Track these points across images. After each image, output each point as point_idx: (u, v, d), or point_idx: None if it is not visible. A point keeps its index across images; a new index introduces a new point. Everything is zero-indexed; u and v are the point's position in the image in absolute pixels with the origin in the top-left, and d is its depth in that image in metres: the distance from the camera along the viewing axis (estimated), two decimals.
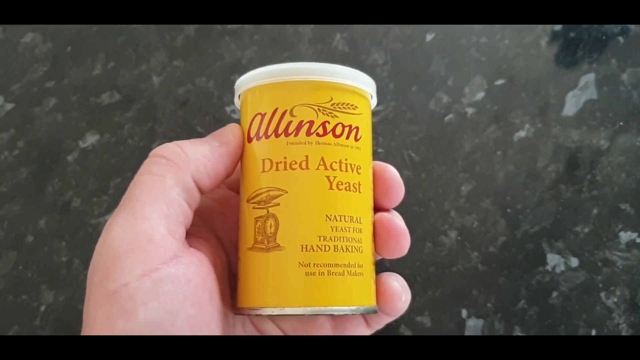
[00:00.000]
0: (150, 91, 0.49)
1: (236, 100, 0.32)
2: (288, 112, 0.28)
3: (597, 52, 0.49)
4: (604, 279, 0.42)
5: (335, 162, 0.28)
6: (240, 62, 0.50)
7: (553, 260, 0.43)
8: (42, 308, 0.44)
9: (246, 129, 0.30)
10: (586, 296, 0.42)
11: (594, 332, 0.41)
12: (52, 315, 0.44)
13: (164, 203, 0.26)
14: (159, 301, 0.24)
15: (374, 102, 0.32)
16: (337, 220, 0.28)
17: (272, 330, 0.31)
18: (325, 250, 0.28)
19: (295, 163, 0.28)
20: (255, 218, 0.28)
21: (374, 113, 0.47)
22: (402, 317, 0.42)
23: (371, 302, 0.29)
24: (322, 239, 0.28)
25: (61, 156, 0.48)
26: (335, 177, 0.28)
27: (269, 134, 0.29)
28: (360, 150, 0.29)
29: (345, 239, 0.28)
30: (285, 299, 0.27)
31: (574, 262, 0.43)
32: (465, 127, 0.47)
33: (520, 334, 0.41)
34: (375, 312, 0.29)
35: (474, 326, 0.42)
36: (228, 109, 0.48)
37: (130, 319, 0.24)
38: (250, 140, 0.29)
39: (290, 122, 0.28)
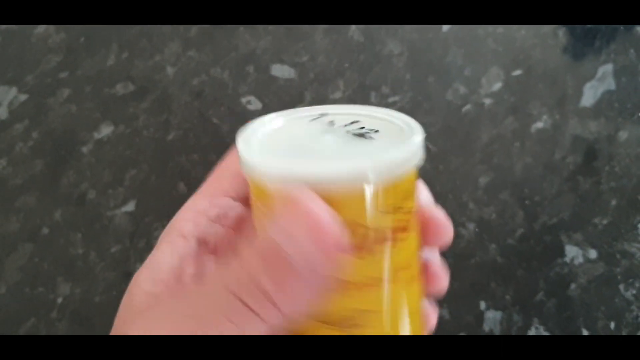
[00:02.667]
0: (165, 82, 0.49)
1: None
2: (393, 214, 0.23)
3: (614, 42, 0.48)
4: (623, 270, 0.42)
5: (407, 260, 0.25)
6: (255, 53, 0.49)
7: (571, 252, 0.43)
8: (59, 300, 0.44)
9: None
10: (605, 288, 0.42)
11: (612, 324, 0.41)
12: (68, 308, 0.43)
13: None
14: None
15: None
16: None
17: None
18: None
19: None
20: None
21: (390, 104, 0.47)
22: None
23: None
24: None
25: (76, 147, 0.47)
26: (408, 272, 0.25)
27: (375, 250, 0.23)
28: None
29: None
30: None
31: (593, 254, 0.43)
32: (482, 118, 0.46)
33: (538, 326, 0.41)
34: None
35: (492, 318, 0.42)
36: (243, 99, 0.48)
37: None
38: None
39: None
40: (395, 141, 0.23)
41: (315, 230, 0.20)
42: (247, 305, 0.21)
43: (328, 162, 0.21)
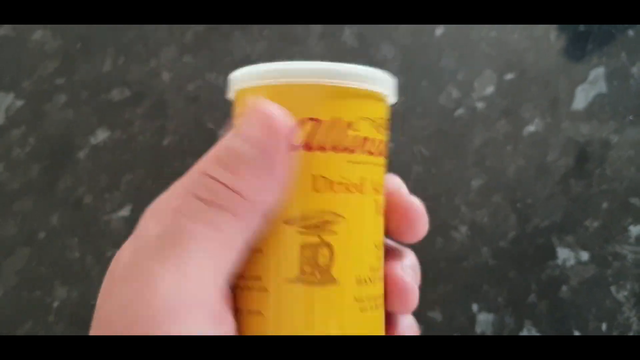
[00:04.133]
0: (161, 87, 0.49)
1: (246, 86, 0.26)
2: (350, 126, 0.24)
3: (606, 45, 0.49)
4: (614, 272, 0.43)
5: (380, 185, 0.25)
6: (250, 58, 0.50)
7: (563, 254, 0.43)
8: (56, 304, 0.44)
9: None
10: (596, 290, 0.42)
11: (604, 326, 0.42)
12: (65, 311, 0.44)
13: (221, 260, 0.22)
14: None
15: None
16: (379, 249, 0.25)
17: None
18: (374, 282, 0.25)
19: (353, 186, 0.24)
20: (302, 245, 0.24)
21: None
22: (413, 312, 0.42)
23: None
24: (372, 269, 0.25)
25: (72, 152, 0.48)
26: (377, 200, 0.25)
27: (325, 147, 0.24)
28: (384, 169, 0.26)
29: (380, 267, 0.25)
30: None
31: (584, 256, 0.43)
32: (475, 122, 0.47)
33: (530, 328, 0.42)
34: None
35: (484, 320, 0.42)
36: None
37: None
38: (296, 148, 0.24)
39: (354, 138, 0.24)
40: None
41: (262, 117, 0.22)
42: (214, 204, 0.21)
43: (279, 64, 0.24)
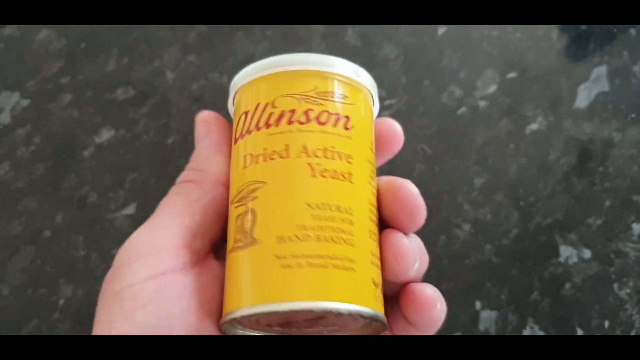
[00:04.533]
0: (164, 87, 0.50)
1: (230, 108, 0.31)
2: (270, 105, 0.27)
3: (608, 44, 0.49)
4: (617, 270, 0.43)
5: (320, 150, 0.26)
6: (253, 57, 0.50)
7: (566, 252, 0.43)
8: (61, 302, 0.44)
9: (233, 132, 0.29)
10: (599, 287, 0.42)
11: (607, 324, 0.42)
12: (70, 309, 0.44)
13: (186, 215, 0.27)
14: (159, 304, 0.24)
15: (375, 106, 0.31)
16: (319, 209, 0.25)
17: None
18: (304, 240, 0.25)
19: (275, 153, 0.26)
20: (235, 217, 0.26)
21: (386, 107, 0.48)
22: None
23: (370, 305, 0.25)
24: (301, 228, 0.25)
25: (77, 152, 0.48)
26: (318, 164, 0.26)
27: (250, 129, 0.27)
28: (351, 140, 0.27)
29: (330, 229, 0.25)
30: (260, 296, 0.24)
31: (587, 253, 0.43)
32: (477, 121, 0.47)
33: (533, 325, 0.42)
34: (378, 319, 0.25)
35: (487, 318, 0.42)
36: None
37: (128, 320, 0.24)
38: (235, 141, 0.28)
39: (271, 114, 0.27)
40: None
41: (198, 120, 0.32)
42: (184, 181, 0.29)
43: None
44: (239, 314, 0.24)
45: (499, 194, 0.45)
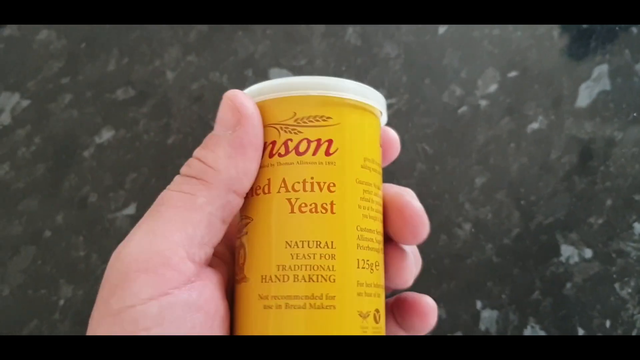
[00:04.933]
0: (165, 86, 0.49)
1: None
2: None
3: (610, 43, 0.49)
4: (618, 269, 0.43)
5: (298, 183, 0.25)
6: (253, 57, 0.50)
7: (567, 251, 0.43)
8: (61, 302, 0.44)
9: None
10: (600, 287, 0.42)
11: (608, 323, 0.42)
12: (71, 310, 0.44)
13: (189, 224, 0.24)
14: (164, 328, 0.23)
15: (383, 116, 0.29)
16: (297, 247, 0.25)
17: None
18: (283, 281, 0.25)
19: (259, 188, 0.26)
20: (236, 248, 0.27)
21: (387, 107, 0.48)
22: None
23: None
24: (281, 268, 0.25)
25: (77, 152, 0.48)
26: (297, 198, 0.25)
27: None
28: (333, 166, 0.26)
29: (308, 267, 0.25)
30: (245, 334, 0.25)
31: (588, 253, 0.43)
32: (478, 120, 0.47)
33: (534, 325, 0.42)
34: None
35: (488, 317, 0.42)
36: None
37: None
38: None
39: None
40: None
41: (229, 102, 0.26)
42: (191, 176, 0.25)
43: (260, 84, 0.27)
44: None
45: (500, 193, 0.45)
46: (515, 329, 0.41)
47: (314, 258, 0.25)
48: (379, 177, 0.27)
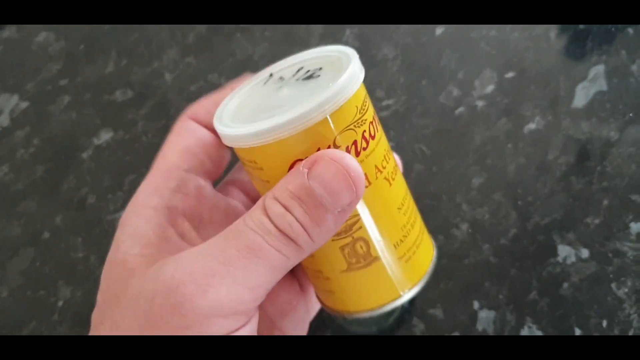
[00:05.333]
0: (163, 88, 0.50)
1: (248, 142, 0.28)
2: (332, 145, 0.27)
3: (606, 43, 0.49)
4: (615, 269, 0.43)
5: (380, 163, 0.28)
6: (252, 58, 0.50)
7: (564, 251, 0.43)
8: (60, 303, 0.44)
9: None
10: (597, 287, 0.42)
11: (605, 323, 0.42)
12: (69, 311, 0.44)
13: (274, 282, 0.26)
14: None
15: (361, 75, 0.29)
16: (403, 206, 0.30)
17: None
18: (409, 235, 0.30)
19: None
20: (340, 247, 0.29)
21: (385, 107, 0.48)
22: (414, 310, 0.42)
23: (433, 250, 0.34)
24: (403, 228, 0.30)
25: (76, 153, 0.48)
26: (387, 173, 0.29)
27: None
28: (379, 143, 0.29)
29: (411, 215, 0.31)
30: (395, 291, 0.30)
31: (585, 253, 0.43)
32: (476, 120, 0.47)
33: (531, 325, 0.42)
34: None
35: (485, 317, 0.42)
36: None
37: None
38: None
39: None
40: (338, 70, 0.28)
41: (346, 176, 0.25)
42: (290, 238, 0.25)
43: (287, 112, 0.25)
44: (380, 311, 0.30)
45: (497, 194, 0.45)
46: (513, 329, 0.42)
47: (409, 208, 0.31)
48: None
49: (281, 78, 0.31)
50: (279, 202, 0.25)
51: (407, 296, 0.30)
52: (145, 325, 0.24)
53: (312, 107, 0.25)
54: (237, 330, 0.25)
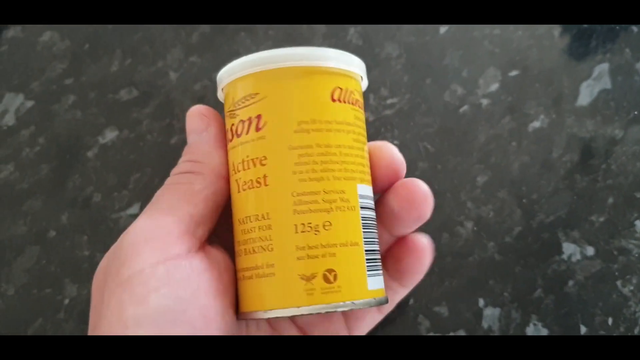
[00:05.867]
0: (168, 87, 0.50)
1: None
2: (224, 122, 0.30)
3: (610, 41, 0.49)
4: (620, 267, 0.43)
5: (239, 163, 0.28)
6: None
7: (569, 249, 0.43)
8: (66, 301, 0.45)
9: None
10: (602, 285, 0.42)
11: (610, 320, 0.42)
12: (75, 309, 0.44)
13: (190, 204, 0.27)
14: (171, 287, 0.25)
15: (345, 71, 0.29)
16: (244, 223, 0.27)
17: (288, 328, 0.31)
18: (239, 256, 0.28)
19: (227, 171, 0.29)
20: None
21: (389, 106, 0.48)
22: (419, 307, 0.42)
23: (301, 302, 0.26)
24: (238, 244, 0.28)
25: (81, 152, 0.48)
26: (240, 178, 0.28)
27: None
28: (264, 140, 0.27)
29: (251, 241, 0.27)
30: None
31: (590, 251, 0.43)
32: (479, 119, 0.47)
33: (536, 323, 0.42)
34: (313, 313, 0.26)
35: (490, 315, 0.42)
36: None
37: (141, 304, 0.24)
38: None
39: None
40: None
41: (196, 111, 0.31)
42: (183, 172, 0.30)
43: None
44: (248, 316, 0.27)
45: (502, 192, 0.45)
46: (518, 327, 0.42)
47: (254, 231, 0.27)
48: (330, 135, 0.27)
49: None
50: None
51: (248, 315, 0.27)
52: (103, 287, 0.26)
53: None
54: (175, 256, 0.25)
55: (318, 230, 0.26)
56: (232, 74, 0.28)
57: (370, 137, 0.31)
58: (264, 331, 0.30)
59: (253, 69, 0.27)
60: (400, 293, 0.32)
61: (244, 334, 0.29)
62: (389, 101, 0.48)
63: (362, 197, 0.28)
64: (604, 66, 0.48)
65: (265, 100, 0.27)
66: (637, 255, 0.43)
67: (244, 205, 0.27)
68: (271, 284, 0.26)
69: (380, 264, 0.29)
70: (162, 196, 0.28)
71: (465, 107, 0.47)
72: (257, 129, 0.27)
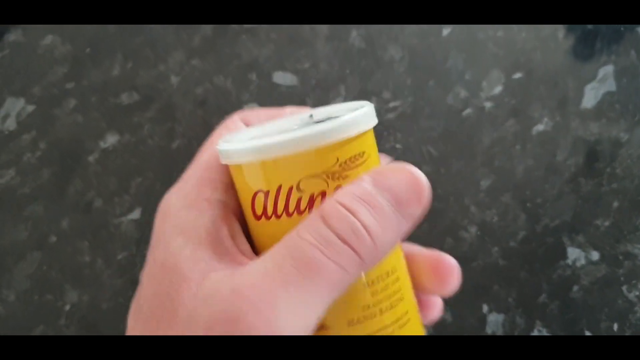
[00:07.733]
0: (169, 91, 0.49)
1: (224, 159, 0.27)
2: (294, 188, 0.24)
3: (615, 43, 0.48)
4: (625, 272, 0.42)
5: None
6: (258, 61, 0.50)
7: (574, 254, 0.43)
8: (67, 307, 0.44)
9: (249, 205, 0.26)
10: (607, 290, 0.42)
11: (615, 326, 0.41)
12: (76, 315, 0.44)
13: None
14: None
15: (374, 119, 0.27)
16: (375, 284, 0.26)
17: None
18: (372, 318, 0.26)
19: None
20: None
21: (391, 109, 0.48)
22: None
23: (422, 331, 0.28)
24: (365, 308, 0.26)
25: (82, 157, 0.48)
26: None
27: (278, 213, 0.25)
28: None
29: (387, 297, 0.26)
30: None
31: (595, 255, 0.43)
32: (483, 122, 0.47)
33: (541, 329, 0.41)
34: None
35: (495, 321, 0.42)
36: (246, 107, 0.48)
37: None
38: (258, 218, 0.26)
39: (299, 199, 0.24)
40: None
41: (415, 186, 0.24)
42: (348, 244, 0.23)
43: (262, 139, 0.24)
44: None
45: (506, 196, 0.45)
46: (522, 333, 0.41)
47: (388, 288, 0.26)
48: None
49: (311, 116, 0.29)
50: (343, 206, 0.23)
51: None
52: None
53: (284, 140, 0.23)
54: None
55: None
56: (341, 133, 0.25)
57: None
58: None
59: (362, 127, 0.25)
60: None
61: None
62: (391, 104, 0.48)
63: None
64: (609, 68, 0.47)
65: (369, 159, 0.26)
66: None
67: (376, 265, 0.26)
68: (410, 329, 0.27)
69: None
70: (317, 276, 0.23)
71: (468, 110, 0.47)
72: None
